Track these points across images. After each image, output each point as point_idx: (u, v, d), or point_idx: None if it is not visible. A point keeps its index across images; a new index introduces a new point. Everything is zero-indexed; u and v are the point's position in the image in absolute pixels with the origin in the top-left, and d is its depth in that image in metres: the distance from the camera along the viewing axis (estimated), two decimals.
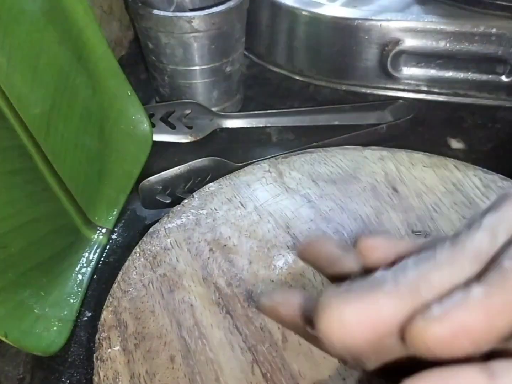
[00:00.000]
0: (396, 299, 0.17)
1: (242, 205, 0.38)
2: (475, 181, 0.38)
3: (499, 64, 0.51)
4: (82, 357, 0.34)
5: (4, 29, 0.34)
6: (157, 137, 0.48)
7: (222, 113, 0.52)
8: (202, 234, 0.36)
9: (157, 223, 0.37)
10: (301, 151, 0.42)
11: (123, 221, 0.43)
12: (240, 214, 0.37)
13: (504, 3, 0.50)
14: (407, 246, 0.21)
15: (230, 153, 0.48)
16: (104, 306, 0.32)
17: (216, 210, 0.37)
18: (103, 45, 0.41)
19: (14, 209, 0.34)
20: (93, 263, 0.39)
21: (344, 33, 0.54)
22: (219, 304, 0.31)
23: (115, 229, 0.42)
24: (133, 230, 0.43)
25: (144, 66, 0.57)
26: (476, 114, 0.53)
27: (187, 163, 0.43)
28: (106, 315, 0.31)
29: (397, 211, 0.37)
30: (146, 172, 0.43)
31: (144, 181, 0.42)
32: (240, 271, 0.33)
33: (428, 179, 0.39)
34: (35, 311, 0.34)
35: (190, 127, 0.50)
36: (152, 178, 0.42)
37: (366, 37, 0.52)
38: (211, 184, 0.40)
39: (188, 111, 0.51)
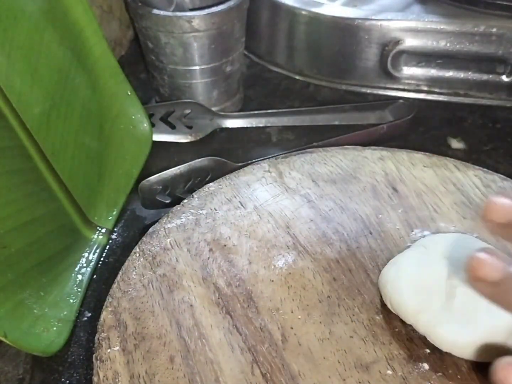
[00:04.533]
0: None
1: (242, 205, 0.38)
2: (475, 181, 0.38)
3: (499, 64, 0.51)
4: (81, 357, 0.34)
5: (4, 29, 0.34)
6: (157, 137, 0.48)
7: (222, 113, 0.52)
8: (202, 234, 0.36)
9: (157, 223, 0.37)
10: (301, 151, 0.42)
11: (122, 221, 0.43)
12: (240, 214, 0.37)
13: (505, 3, 0.50)
14: None
15: (230, 153, 0.48)
16: (104, 306, 0.32)
17: (216, 210, 0.37)
18: (102, 45, 0.41)
19: (13, 209, 0.34)
20: (92, 263, 0.39)
21: (344, 33, 0.53)
22: (218, 304, 0.31)
23: (115, 229, 0.42)
24: (133, 230, 0.43)
25: (144, 66, 0.57)
26: (476, 114, 0.53)
27: (187, 163, 0.43)
28: (106, 315, 0.31)
29: (397, 211, 0.36)
30: (146, 172, 0.43)
31: (144, 181, 0.42)
32: (240, 271, 0.33)
33: (428, 179, 0.39)
34: (35, 311, 0.34)
35: (190, 127, 0.50)
36: (152, 178, 0.42)
37: (366, 37, 0.52)
38: (211, 184, 0.40)
39: (188, 111, 0.51)
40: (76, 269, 0.38)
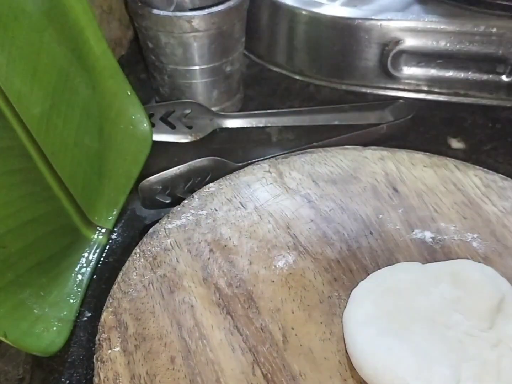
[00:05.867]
0: None
1: (242, 205, 0.38)
2: (476, 181, 0.38)
3: (499, 63, 0.51)
4: (82, 357, 0.34)
5: (4, 29, 0.34)
6: (157, 137, 0.48)
7: (222, 113, 0.52)
8: (202, 234, 0.36)
9: (157, 223, 0.37)
10: (301, 151, 0.42)
11: (122, 221, 0.43)
12: (240, 214, 0.37)
13: (505, 3, 0.50)
14: None
15: (230, 153, 0.48)
16: (104, 307, 0.32)
17: (216, 210, 0.37)
18: (102, 45, 0.41)
19: (13, 209, 0.34)
20: (92, 263, 0.39)
21: (344, 32, 0.53)
22: (219, 305, 0.31)
23: (115, 229, 0.42)
24: (133, 230, 0.43)
25: (144, 66, 0.57)
26: (476, 114, 0.52)
27: (187, 163, 0.43)
28: (106, 316, 0.31)
29: (398, 211, 0.36)
30: (146, 172, 0.43)
31: (144, 181, 0.42)
32: (240, 271, 0.33)
33: (429, 179, 0.39)
34: (35, 311, 0.34)
35: (190, 127, 0.50)
36: (152, 178, 0.42)
37: (366, 37, 0.52)
38: (211, 184, 0.40)
39: (188, 111, 0.51)
40: (76, 269, 0.38)
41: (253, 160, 0.43)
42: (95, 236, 0.41)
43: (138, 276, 0.33)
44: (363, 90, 0.56)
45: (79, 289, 0.37)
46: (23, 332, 0.32)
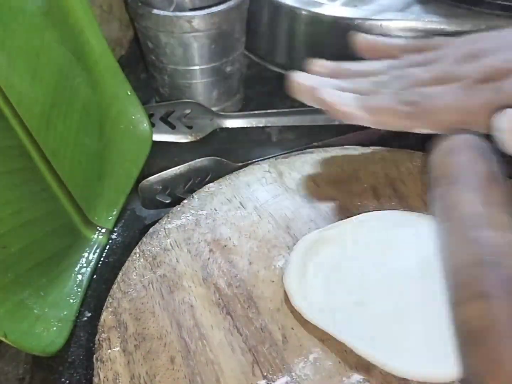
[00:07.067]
0: None
1: (242, 205, 0.38)
2: None
3: None
4: (82, 357, 0.34)
5: (4, 29, 0.34)
6: (157, 137, 0.48)
7: (222, 113, 0.52)
8: (202, 234, 0.36)
9: (157, 223, 0.37)
10: (301, 151, 0.42)
11: (123, 221, 0.43)
12: (240, 214, 0.37)
13: (505, 3, 0.50)
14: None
15: (230, 153, 0.48)
16: (104, 307, 0.32)
17: (216, 210, 0.37)
18: (102, 45, 0.41)
19: (13, 209, 0.34)
20: (92, 263, 0.39)
21: (344, 33, 0.53)
22: (219, 305, 0.31)
23: (115, 229, 0.42)
24: (133, 230, 0.43)
25: (144, 66, 0.57)
26: None
27: (187, 163, 0.43)
28: (106, 316, 0.31)
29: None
30: (146, 172, 0.43)
31: (144, 181, 0.42)
32: (240, 271, 0.33)
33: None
34: (35, 311, 0.34)
35: (190, 127, 0.50)
36: (152, 178, 0.42)
37: None
38: (211, 184, 0.40)
39: (188, 111, 0.51)
40: (76, 269, 0.38)
41: (253, 160, 0.43)
42: (95, 236, 0.41)
43: (138, 276, 0.33)
44: None
45: (79, 289, 0.37)
46: (23, 332, 0.32)
